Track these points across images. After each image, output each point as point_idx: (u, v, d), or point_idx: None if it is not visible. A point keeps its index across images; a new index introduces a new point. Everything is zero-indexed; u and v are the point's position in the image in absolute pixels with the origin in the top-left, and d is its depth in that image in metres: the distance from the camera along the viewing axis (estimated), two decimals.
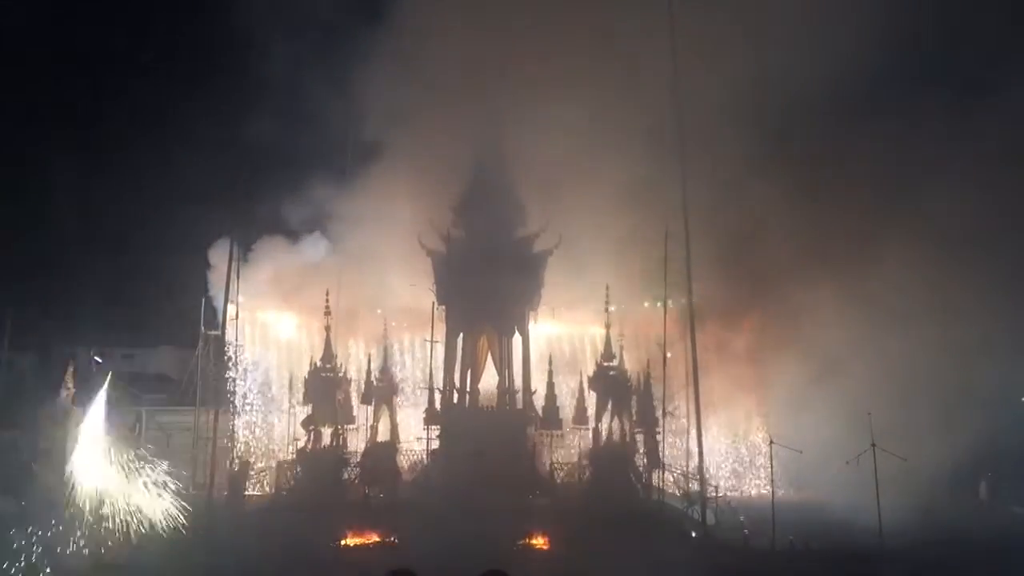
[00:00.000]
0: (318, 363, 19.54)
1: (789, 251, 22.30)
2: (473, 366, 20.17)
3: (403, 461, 19.92)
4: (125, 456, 16.06)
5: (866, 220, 21.83)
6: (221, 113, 24.26)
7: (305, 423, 19.43)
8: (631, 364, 19.32)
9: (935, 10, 19.86)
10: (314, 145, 24.91)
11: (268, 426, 25.17)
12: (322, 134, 24.79)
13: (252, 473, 20.43)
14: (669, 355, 19.86)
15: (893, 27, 19.78)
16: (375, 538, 16.59)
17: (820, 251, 22.00)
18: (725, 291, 22.70)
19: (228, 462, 20.89)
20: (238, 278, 20.84)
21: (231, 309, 23.85)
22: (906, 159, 21.38)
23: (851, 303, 20.90)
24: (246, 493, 20.39)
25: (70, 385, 25.50)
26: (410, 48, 22.19)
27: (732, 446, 25.32)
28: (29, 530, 13.43)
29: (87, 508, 14.39)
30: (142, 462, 16.10)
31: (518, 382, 19.87)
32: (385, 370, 20.45)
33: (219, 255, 22.79)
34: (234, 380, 24.56)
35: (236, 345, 24.20)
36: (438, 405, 19.57)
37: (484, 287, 19.32)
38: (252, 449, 24.87)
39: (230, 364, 24.57)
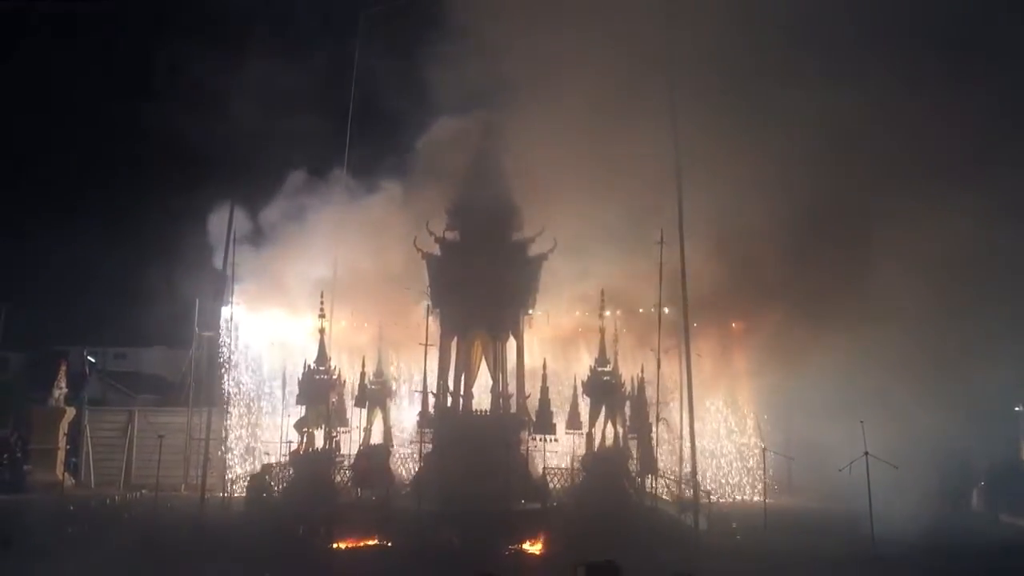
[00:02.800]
0: (312, 365, 19.49)
1: (785, 256, 22.35)
2: (467, 370, 20.15)
3: (396, 464, 19.93)
4: None
5: (864, 223, 21.86)
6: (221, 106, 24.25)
7: (298, 425, 19.41)
8: (625, 369, 19.32)
9: None
10: (307, 147, 24.94)
11: (263, 427, 25.22)
12: (315, 135, 24.86)
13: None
14: (663, 360, 19.89)
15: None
16: (368, 541, 16.57)
17: (815, 256, 22.04)
18: (721, 296, 22.75)
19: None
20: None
21: (225, 311, 23.89)
22: (911, 158, 21.33)
23: (847, 309, 20.97)
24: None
25: (63, 384, 25.56)
26: (405, 50, 22.25)
27: (725, 452, 25.35)
28: None
29: None
30: None
31: (512, 386, 19.88)
32: (379, 373, 20.49)
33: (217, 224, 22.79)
34: (227, 380, 24.57)
35: (230, 345, 24.22)
36: (432, 409, 19.57)
37: (478, 291, 19.30)
38: (250, 450, 24.93)
39: (224, 364, 24.58)
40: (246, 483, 20.51)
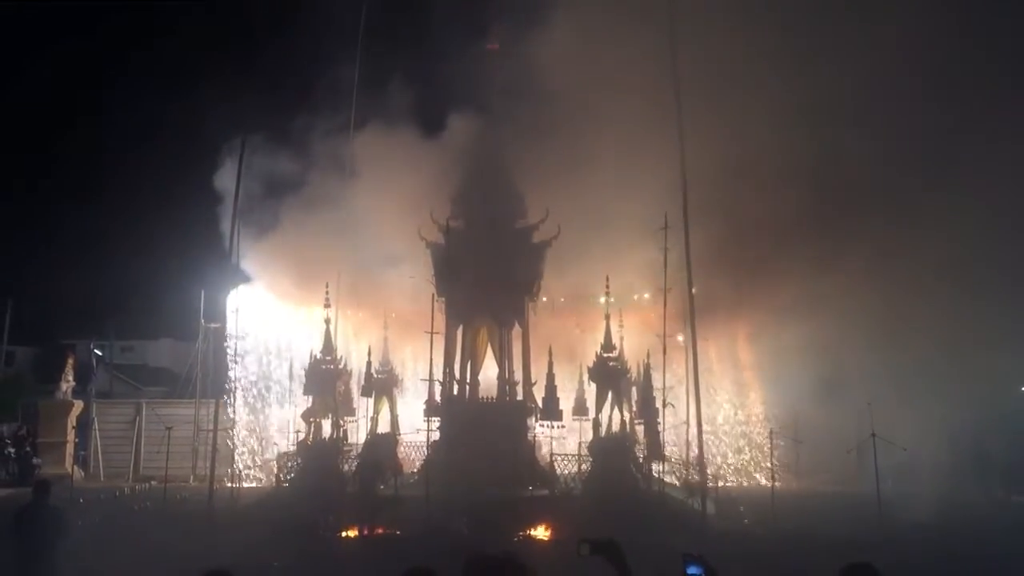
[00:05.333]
0: (318, 355, 19.49)
1: (791, 238, 22.27)
2: (473, 358, 20.19)
3: (404, 453, 19.96)
4: None
5: (869, 206, 21.75)
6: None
7: (305, 415, 19.43)
8: (631, 355, 19.29)
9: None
10: (313, 137, 24.90)
11: (269, 417, 25.30)
12: (321, 123, 24.83)
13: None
14: (669, 345, 19.84)
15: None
16: (376, 530, 16.60)
17: (822, 238, 21.96)
18: (726, 280, 22.70)
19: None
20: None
21: (231, 300, 23.88)
22: (914, 145, 21.20)
23: (853, 290, 20.90)
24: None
25: (70, 378, 25.64)
26: (407, 38, 22.19)
27: (732, 436, 25.35)
28: None
29: None
30: None
31: (518, 373, 19.88)
32: (385, 362, 20.49)
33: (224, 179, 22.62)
34: (235, 372, 24.59)
35: (236, 338, 24.24)
36: (438, 397, 19.58)
37: (483, 279, 19.32)
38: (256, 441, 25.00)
39: (230, 356, 24.60)
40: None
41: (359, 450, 19.31)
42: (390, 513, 16.87)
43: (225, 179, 22.82)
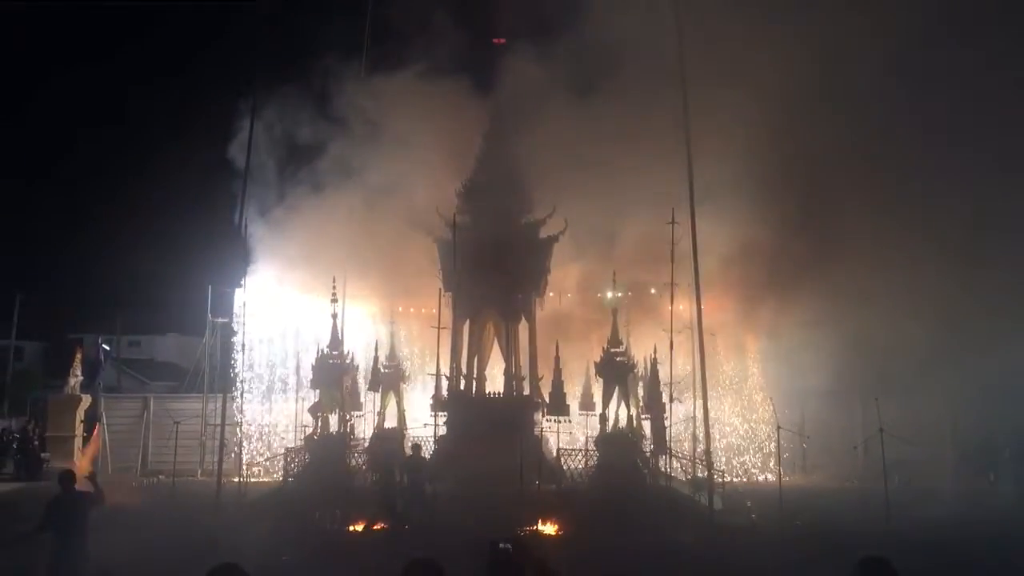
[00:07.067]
0: (325, 349, 19.50)
1: (798, 234, 22.21)
2: (479, 353, 20.18)
3: (410, 448, 19.95)
4: None
5: (880, 199, 21.68)
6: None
7: (312, 410, 19.45)
8: (637, 350, 19.26)
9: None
10: (319, 131, 24.89)
11: (276, 412, 25.34)
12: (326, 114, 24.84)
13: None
14: (677, 340, 19.79)
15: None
16: (383, 524, 16.61)
17: (830, 234, 21.89)
18: (733, 275, 22.66)
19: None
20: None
21: (239, 294, 23.88)
22: (927, 142, 21.08)
23: (860, 285, 20.84)
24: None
25: (78, 372, 25.71)
26: (412, 33, 22.19)
27: (739, 432, 25.32)
28: None
29: None
30: None
31: (525, 368, 19.86)
32: (392, 357, 20.49)
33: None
34: (242, 366, 24.61)
35: (243, 332, 24.27)
36: (445, 392, 19.59)
37: (490, 274, 19.29)
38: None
39: (237, 350, 24.63)
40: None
41: (366, 444, 19.32)
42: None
43: (236, 151, 22.73)
